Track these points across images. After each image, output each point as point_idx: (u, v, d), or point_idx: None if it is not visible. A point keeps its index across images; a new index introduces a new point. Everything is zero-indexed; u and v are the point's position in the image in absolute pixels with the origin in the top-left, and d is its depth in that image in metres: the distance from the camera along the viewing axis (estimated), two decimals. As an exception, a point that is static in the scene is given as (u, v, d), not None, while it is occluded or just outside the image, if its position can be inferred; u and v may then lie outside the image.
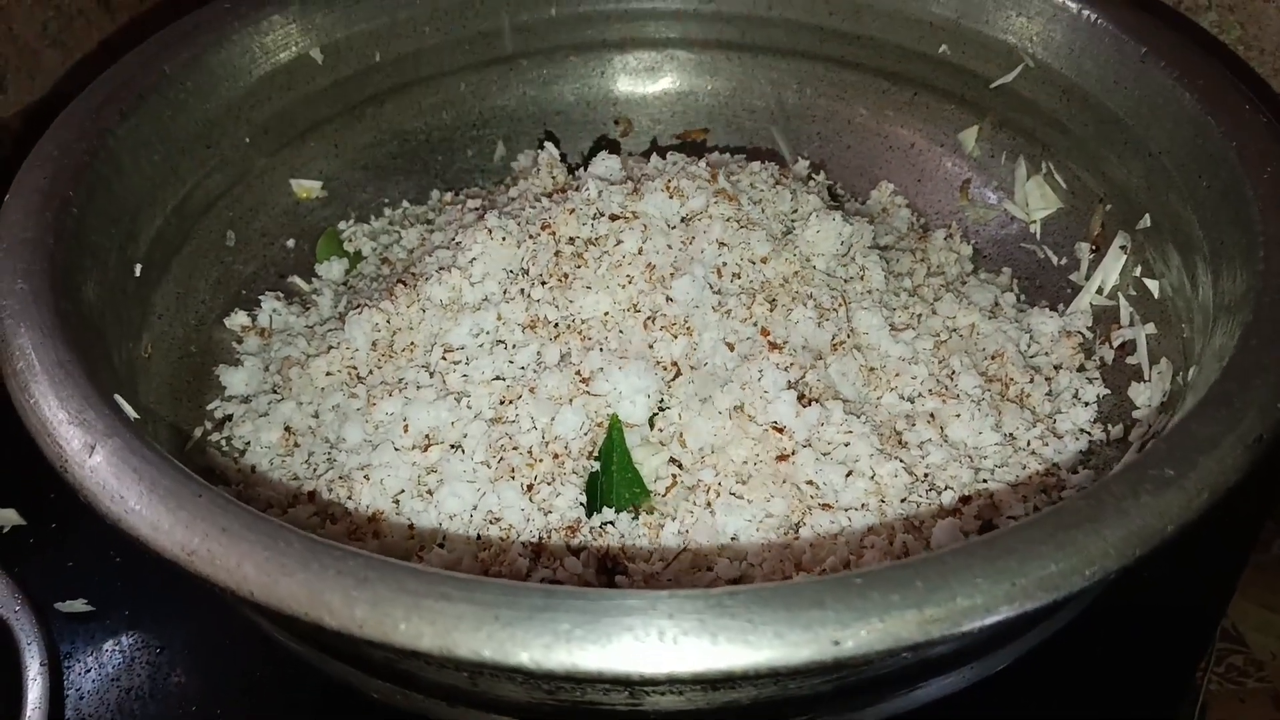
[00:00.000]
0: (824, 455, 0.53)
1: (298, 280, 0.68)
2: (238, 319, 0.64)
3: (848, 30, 0.73)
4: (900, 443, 0.55)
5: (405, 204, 0.74)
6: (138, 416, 0.44)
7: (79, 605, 0.58)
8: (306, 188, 0.70)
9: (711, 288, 0.56)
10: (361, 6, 0.68)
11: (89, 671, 0.56)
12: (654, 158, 0.65)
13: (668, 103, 0.79)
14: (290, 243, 0.69)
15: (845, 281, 0.59)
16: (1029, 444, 0.57)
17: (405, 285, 0.60)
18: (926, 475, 0.54)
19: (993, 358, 0.60)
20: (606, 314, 0.55)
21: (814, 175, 0.73)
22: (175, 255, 0.61)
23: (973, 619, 0.33)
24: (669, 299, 0.55)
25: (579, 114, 0.78)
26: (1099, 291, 0.63)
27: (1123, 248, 0.62)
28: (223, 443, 0.58)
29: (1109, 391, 0.59)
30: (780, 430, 0.53)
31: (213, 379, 0.61)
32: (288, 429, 0.57)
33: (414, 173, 0.75)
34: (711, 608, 0.33)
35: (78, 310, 0.47)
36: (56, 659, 0.56)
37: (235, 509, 0.37)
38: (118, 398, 0.43)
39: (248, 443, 0.58)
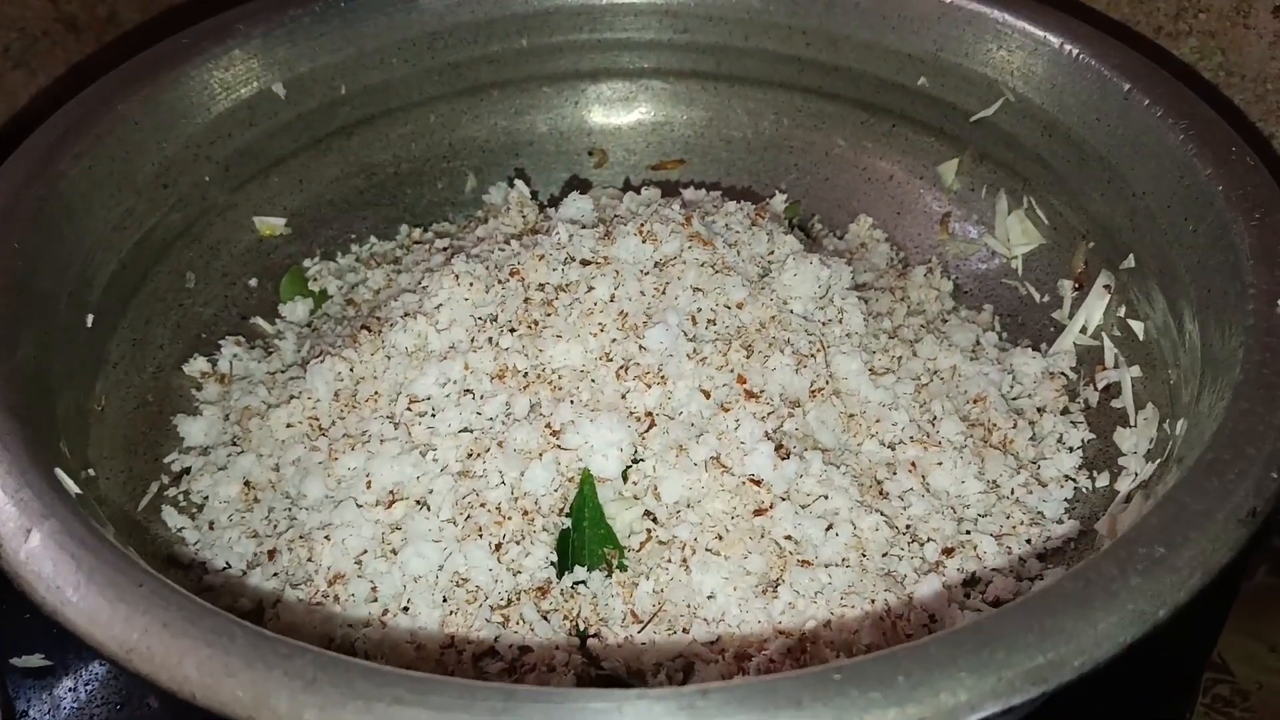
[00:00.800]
0: (803, 509, 0.52)
1: (260, 321, 0.66)
2: (197, 365, 0.61)
3: (825, 61, 0.71)
4: (881, 493, 0.54)
5: (373, 239, 0.72)
6: (80, 492, 0.41)
7: (36, 660, 0.56)
8: (270, 225, 0.68)
9: (686, 335, 0.54)
10: (326, 39, 0.66)
11: (44, 731, 0.54)
12: (627, 197, 0.63)
13: (642, 133, 0.77)
14: (253, 282, 0.67)
15: (823, 325, 0.58)
16: (1013, 492, 0.55)
17: (369, 331, 0.58)
18: (908, 527, 0.53)
19: (974, 401, 0.58)
20: (580, 366, 0.53)
21: (791, 218, 0.71)
22: (131, 299, 0.59)
23: (958, 717, 0.31)
24: (642, 347, 0.53)
25: (552, 145, 0.77)
26: (1082, 331, 0.62)
27: (1106, 287, 0.61)
28: (180, 497, 0.56)
29: (1094, 436, 0.58)
30: (758, 483, 0.51)
31: (170, 429, 0.58)
32: (247, 483, 0.55)
33: (382, 206, 0.73)
34: (683, 709, 0.31)
35: (19, 369, 0.45)
36: (12, 716, 0.54)
37: (178, 601, 0.35)
38: (58, 471, 0.40)
39: (206, 497, 0.56)
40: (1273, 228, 0.48)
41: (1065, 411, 0.60)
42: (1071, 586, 0.34)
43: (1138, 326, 0.58)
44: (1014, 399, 0.60)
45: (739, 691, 0.31)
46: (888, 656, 0.33)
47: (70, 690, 0.56)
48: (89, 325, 0.54)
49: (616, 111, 0.77)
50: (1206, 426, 0.43)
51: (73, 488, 0.41)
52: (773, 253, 0.59)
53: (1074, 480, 0.56)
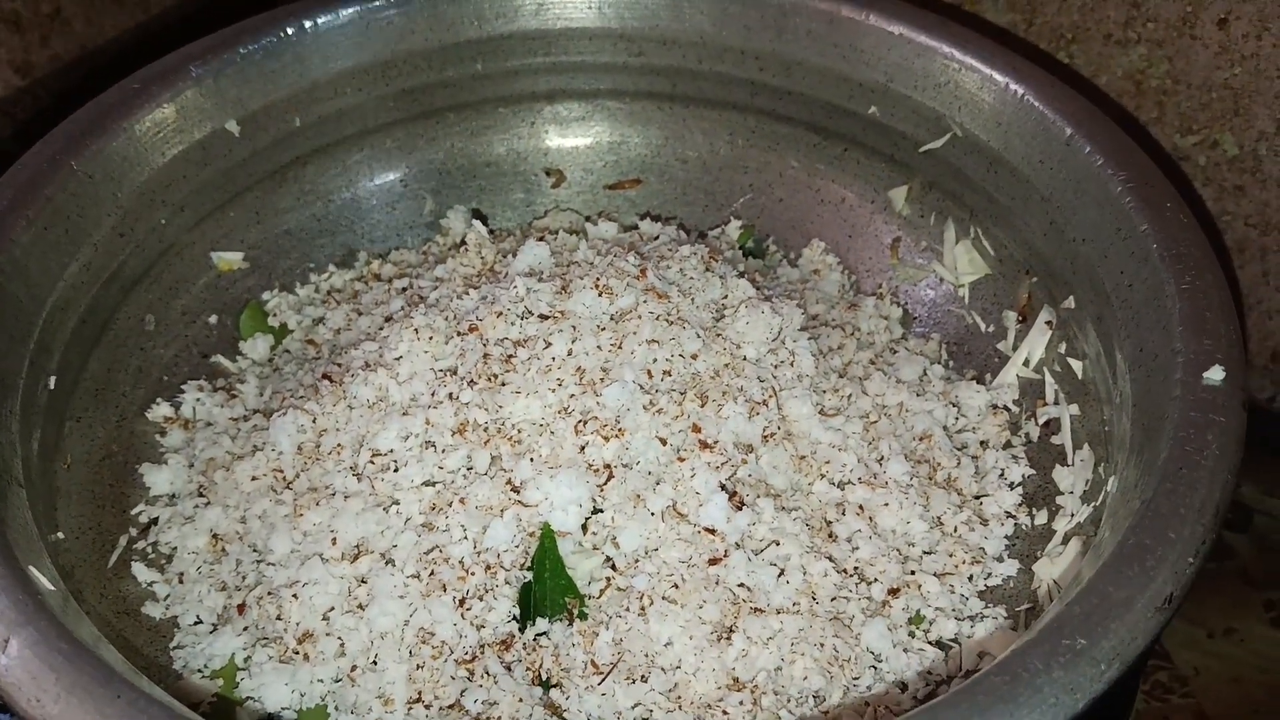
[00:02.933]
0: (756, 554, 0.54)
1: (222, 359, 0.67)
2: (160, 410, 0.62)
3: (778, 85, 0.72)
4: (830, 535, 0.56)
5: (331, 268, 0.72)
6: (53, 589, 0.42)
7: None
8: (228, 260, 0.68)
9: (642, 388, 0.55)
10: (279, 74, 0.66)
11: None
12: (583, 245, 0.64)
13: (599, 153, 0.78)
14: (212, 319, 0.67)
15: (775, 368, 0.59)
16: (956, 529, 0.58)
17: (331, 381, 0.59)
18: (856, 569, 0.55)
19: (921, 439, 0.61)
20: (539, 420, 0.55)
21: (744, 244, 0.72)
22: (92, 351, 0.60)
23: (891, 818, 0.34)
24: (599, 402, 0.55)
25: (509, 166, 0.77)
26: (1025, 364, 0.64)
27: (1049, 323, 0.63)
28: (149, 549, 0.57)
29: (1034, 472, 0.60)
30: (712, 532, 0.54)
31: (135, 479, 0.59)
32: (215, 535, 0.57)
33: (339, 233, 0.73)
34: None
35: (-14, 459, 0.46)
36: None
37: (155, 711, 0.36)
38: (32, 570, 0.42)
39: (174, 549, 0.57)
40: (1204, 293, 0.50)
41: (1008, 445, 0.62)
42: (999, 681, 0.37)
43: (1076, 365, 0.60)
44: (958, 431, 0.63)
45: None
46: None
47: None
48: (51, 387, 0.55)
49: (573, 132, 0.77)
50: (1133, 496, 0.45)
51: (46, 584, 0.42)
52: (726, 298, 0.61)
53: (1014, 517, 0.59)
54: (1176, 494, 0.42)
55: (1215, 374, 0.47)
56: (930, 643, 0.54)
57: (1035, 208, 0.62)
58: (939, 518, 0.58)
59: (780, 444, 0.57)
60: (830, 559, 0.54)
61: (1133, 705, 0.64)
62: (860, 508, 0.57)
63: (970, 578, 0.56)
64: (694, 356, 0.57)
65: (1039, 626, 0.39)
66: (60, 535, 0.52)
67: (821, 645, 0.52)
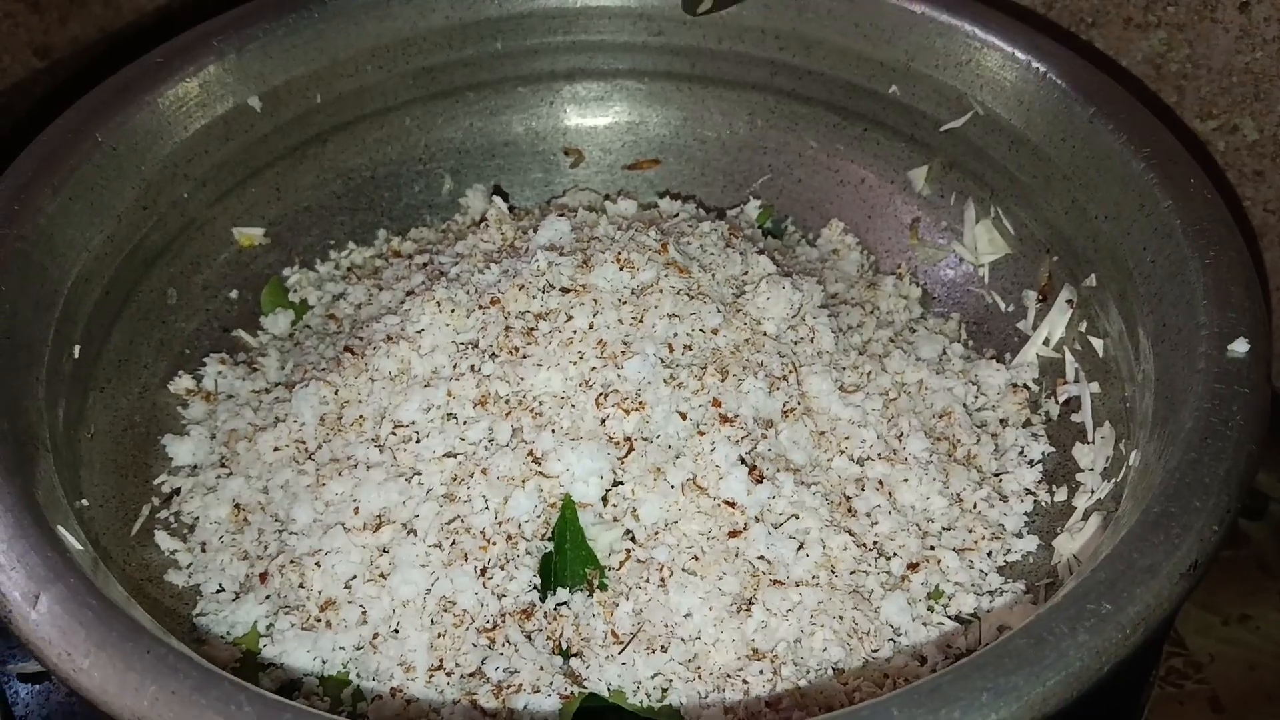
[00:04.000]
0: (775, 529, 0.54)
1: (243, 334, 0.67)
2: (182, 383, 0.62)
3: (798, 64, 0.72)
4: (849, 510, 0.56)
5: (351, 245, 0.73)
6: (81, 548, 0.43)
7: (31, 666, 0.58)
8: (249, 235, 0.69)
9: (663, 362, 0.56)
10: (300, 50, 0.66)
11: (44, 733, 0.56)
12: (603, 221, 0.64)
13: (618, 133, 0.78)
14: (234, 294, 0.68)
15: (795, 344, 0.59)
16: (975, 506, 0.58)
17: (353, 354, 0.59)
18: (875, 544, 0.55)
19: (940, 416, 0.61)
20: (560, 393, 0.55)
21: (763, 224, 0.72)
22: (115, 323, 0.60)
23: (917, 775, 0.34)
24: (620, 375, 0.55)
25: (528, 145, 0.77)
26: (1045, 343, 0.64)
27: (1069, 301, 0.63)
28: (171, 519, 0.58)
29: (1054, 449, 0.60)
30: (732, 505, 0.54)
31: (158, 450, 0.60)
32: (237, 505, 0.57)
33: (359, 211, 0.74)
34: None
35: (13, 423, 0.46)
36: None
37: (185, 667, 0.36)
38: (60, 529, 0.42)
39: (196, 519, 0.57)
40: (1227, 267, 0.50)
41: (1027, 424, 0.62)
42: (1024, 644, 0.37)
43: (1098, 344, 0.60)
44: (978, 409, 0.63)
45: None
46: (851, 715, 0.35)
47: (67, 695, 0.58)
48: (75, 356, 0.55)
49: (592, 112, 0.77)
50: (1156, 469, 0.45)
51: (75, 545, 0.42)
52: (746, 273, 0.61)
53: (1034, 494, 0.59)
54: (1201, 463, 0.42)
55: (1239, 346, 0.47)
56: (949, 617, 0.54)
57: (1057, 186, 0.62)
58: (958, 494, 0.58)
59: (800, 419, 0.57)
60: (850, 533, 0.54)
61: (1149, 692, 0.64)
62: (880, 483, 0.57)
63: (990, 553, 0.56)
64: (714, 331, 0.57)
65: (1064, 592, 0.39)
66: (85, 502, 0.53)
67: (841, 618, 0.52)
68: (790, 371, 0.58)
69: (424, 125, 0.75)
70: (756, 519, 0.54)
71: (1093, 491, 0.56)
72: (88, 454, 0.55)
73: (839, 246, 0.72)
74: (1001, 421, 0.62)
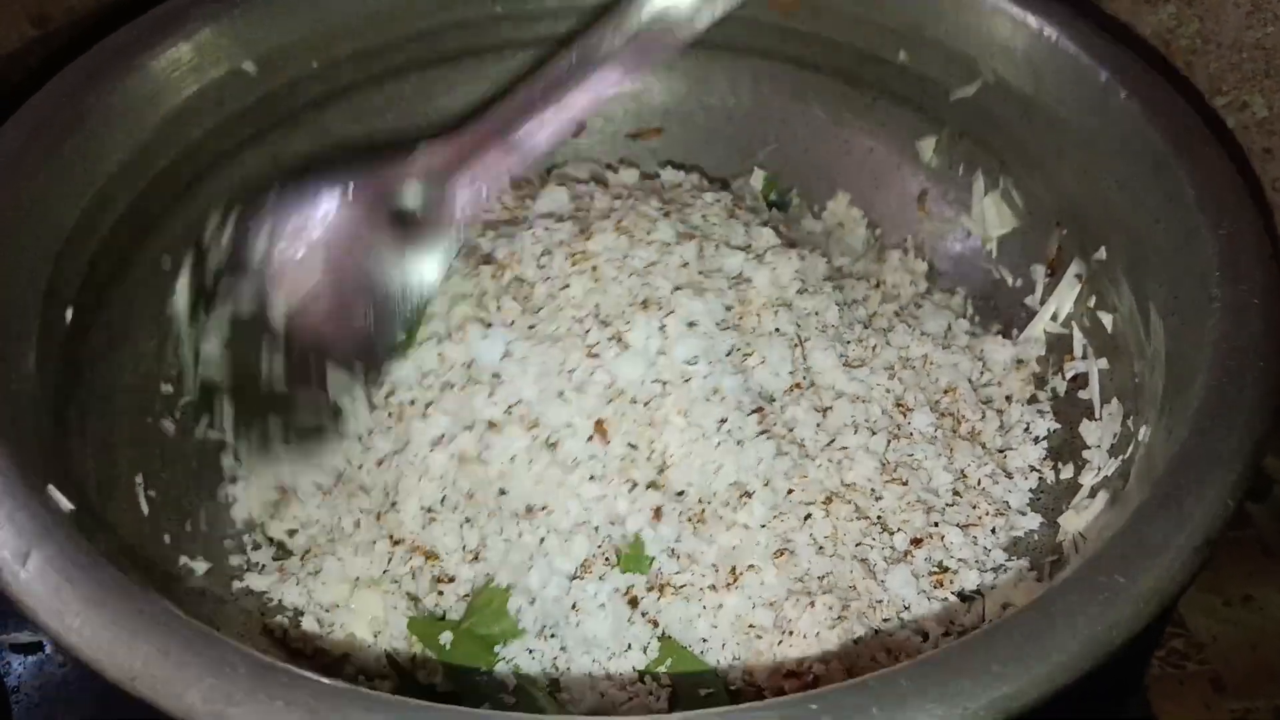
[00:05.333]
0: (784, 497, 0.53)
1: (239, 303, 0.66)
2: (176, 349, 0.62)
3: (806, 30, 0.71)
4: (853, 484, 0.55)
5: (348, 214, 0.71)
6: (73, 507, 0.42)
7: (25, 636, 0.58)
8: (245, 202, 0.67)
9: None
10: (296, 15, 0.65)
11: (36, 705, 0.56)
12: (602, 192, 0.63)
13: (620, 100, 0.76)
14: (229, 262, 0.67)
15: (800, 318, 0.59)
16: (979, 482, 0.57)
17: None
18: (879, 518, 0.55)
19: (945, 392, 0.60)
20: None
21: (768, 194, 0.71)
22: (108, 290, 0.59)
23: (925, 747, 0.33)
24: (623, 343, 0.54)
25: (529, 113, 0.76)
26: (1053, 319, 0.63)
27: (1078, 276, 0.62)
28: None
29: (1059, 426, 0.60)
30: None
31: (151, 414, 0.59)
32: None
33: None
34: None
35: (4, 387, 0.45)
36: (3, 692, 0.56)
37: (177, 626, 0.36)
38: (50, 488, 0.41)
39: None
40: (1240, 239, 0.49)
41: (1033, 400, 0.61)
42: (1036, 616, 0.36)
43: (1106, 319, 0.59)
44: (983, 385, 0.62)
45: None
46: (860, 687, 0.35)
47: (60, 665, 0.58)
48: (68, 322, 0.54)
49: (593, 79, 0.76)
50: (1167, 445, 0.44)
51: (65, 504, 0.42)
52: (750, 245, 0.60)
53: (1039, 471, 0.58)
54: (1214, 436, 0.41)
55: (1252, 320, 0.46)
56: (953, 593, 0.53)
57: (1068, 154, 0.60)
58: (963, 470, 0.57)
59: (806, 394, 0.57)
60: (855, 505, 0.54)
61: (1145, 671, 0.64)
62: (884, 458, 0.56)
63: (994, 530, 0.56)
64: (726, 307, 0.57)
65: (1076, 564, 0.39)
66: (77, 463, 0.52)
67: (853, 586, 0.52)
68: (796, 345, 0.57)
69: (423, 93, 0.73)
70: (765, 485, 0.53)
71: (1099, 468, 0.56)
72: (78, 418, 0.55)
73: (845, 220, 0.71)
74: (1007, 398, 0.62)
